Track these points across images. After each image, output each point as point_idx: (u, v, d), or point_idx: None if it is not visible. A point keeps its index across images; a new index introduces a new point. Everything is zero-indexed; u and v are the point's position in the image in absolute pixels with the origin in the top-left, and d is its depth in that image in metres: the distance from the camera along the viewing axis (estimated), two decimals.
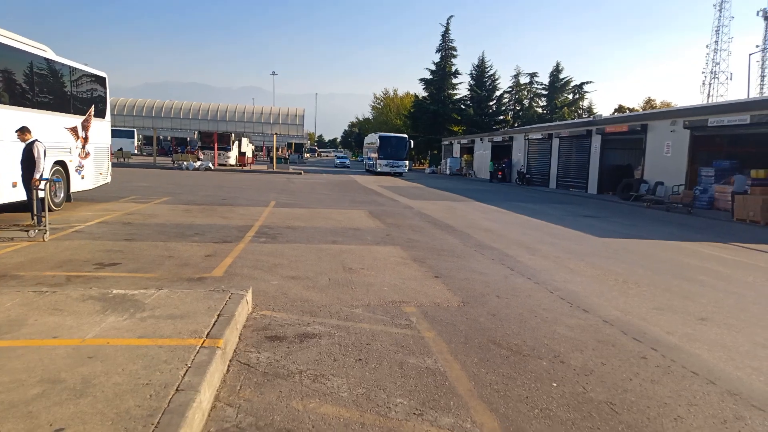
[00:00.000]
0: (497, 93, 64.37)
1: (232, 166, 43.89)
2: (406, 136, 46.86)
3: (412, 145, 48.13)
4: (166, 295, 5.30)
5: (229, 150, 44.30)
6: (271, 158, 47.17)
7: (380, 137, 45.47)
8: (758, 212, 17.42)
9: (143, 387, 3.32)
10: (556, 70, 62.96)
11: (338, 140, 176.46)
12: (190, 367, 3.59)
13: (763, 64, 73.64)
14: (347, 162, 66.11)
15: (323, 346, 4.66)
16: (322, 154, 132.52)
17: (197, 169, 36.41)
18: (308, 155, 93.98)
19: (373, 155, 46.71)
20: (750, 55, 54.91)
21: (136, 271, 7.03)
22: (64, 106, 12.95)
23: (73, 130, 13.31)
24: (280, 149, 69.76)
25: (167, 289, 5.63)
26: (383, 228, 12.25)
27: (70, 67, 13.29)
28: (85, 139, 13.96)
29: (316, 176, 36.40)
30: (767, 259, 10.61)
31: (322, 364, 4.26)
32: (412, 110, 66.06)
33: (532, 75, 64.84)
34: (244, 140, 49.55)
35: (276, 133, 40.56)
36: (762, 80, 73.36)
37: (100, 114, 15.02)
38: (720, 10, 75.67)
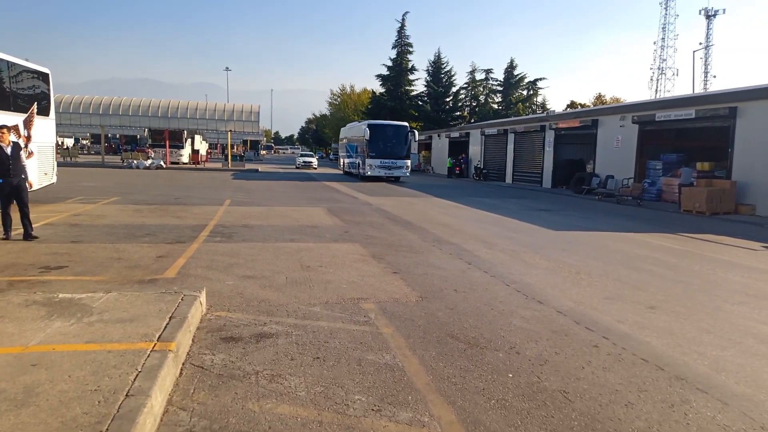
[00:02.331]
0: (454, 89, 64.97)
1: (185, 164, 42.88)
2: (407, 124, 33.63)
3: (416, 137, 34.55)
4: (115, 298, 5.11)
5: (182, 148, 43.24)
6: (226, 156, 45.87)
7: (370, 126, 31.88)
8: (703, 203, 18.18)
9: (91, 393, 3.19)
10: (511, 67, 63.96)
11: (295, 137, 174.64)
12: (140, 372, 3.47)
13: (706, 61, 76.85)
14: (314, 162, 48.89)
15: (280, 345, 4.59)
16: (279, 150, 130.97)
17: (148, 168, 35.41)
18: (264, 152, 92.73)
19: (358, 153, 33.66)
20: (694, 52, 57.19)
21: (84, 274, 6.77)
22: (3, 103, 12.33)
23: (14, 128, 12.70)
24: (235, 146, 68.48)
25: (116, 292, 5.43)
26: (342, 225, 12.19)
27: (8, 62, 12.67)
28: (28, 138, 13.34)
29: (273, 182, 35.40)
30: (712, 249, 11.08)
31: (279, 363, 4.20)
32: (369, 106, 65.98)
33: (488, 71, 65.72)
34: (198, 138, 48.46)
35: (231, 130, 39.85)
36: (706, 76, 76.52)
37: (44, 112, 14.38)
38: (666, 8, 78.50)
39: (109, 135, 65.65)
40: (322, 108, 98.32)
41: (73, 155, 42.82)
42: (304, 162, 48.08)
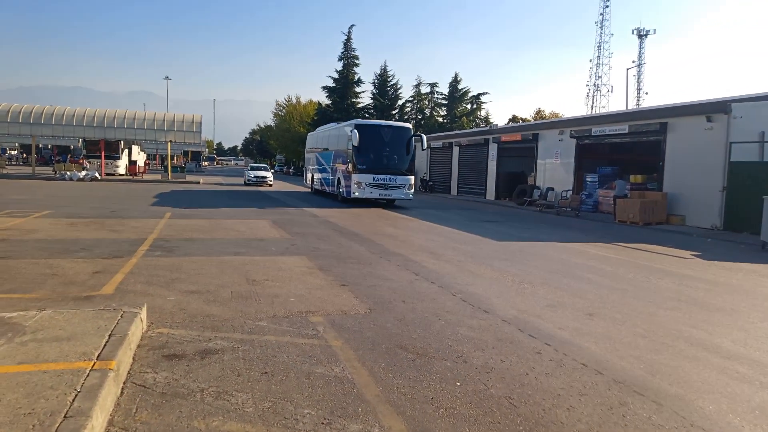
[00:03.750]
0: (400, 102, 65.75)
1: (122, 175, 41.33)
2: (409, 126, 23.71)
3: (424, 146, 24.25)
4: (50, 316, 4.86)
5: (118, 159, 41.68)
6: (166, 167, 44.28)
7: (359, 127, 22.20)
8: (637, 214, 19.11)
9: (25, 417, 3.02)
10: (455, 81, 65.36)
11: (239, 148, 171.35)
12: (79, 392, 3.31)
13: (639, 78, 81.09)
14: (269, 177, 38.06)
15: (226, 361, 4.49)
16: (222, 162, 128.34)
17: (82, 180, 33.91)
18: (206, 163, 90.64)
19: (337, 165, 24.65)
20: (627, 69, 60.33)
21: (14, 292, 6.40)
22: None
23: None
24: (175, 157, 66.60)
25: (51, 309, 5.17)
26: (288, 238, 12.06)
27: None
28: None
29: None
30: (646, 257, 11.64)
31: (225, 380, 4.11)
32: (315, 118, 65.81)
33: (433, 85, 66.87)
34: (135, 148, 46.82)
35: (171, 141, 38.76)
36: (638, 93, 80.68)
37: None
38: (601, 28, 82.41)
39: (41, 145, 62.54)
40: (267, 119, 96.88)
41: (1, 166, 40.48)
42: (255, 177, 37.51)
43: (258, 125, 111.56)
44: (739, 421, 3.79)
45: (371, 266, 9.05)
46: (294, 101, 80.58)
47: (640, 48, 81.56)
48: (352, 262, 9.37)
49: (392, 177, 22.18)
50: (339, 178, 24.08)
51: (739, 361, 5.06)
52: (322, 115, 64.04)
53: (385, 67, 65.61)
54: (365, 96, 65.44)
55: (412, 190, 22.84)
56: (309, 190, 31.98)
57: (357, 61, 64.23)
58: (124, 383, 3.93)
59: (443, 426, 3.55)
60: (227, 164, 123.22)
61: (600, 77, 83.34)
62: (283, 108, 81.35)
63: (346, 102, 62.99)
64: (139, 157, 49.37)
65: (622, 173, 23.98)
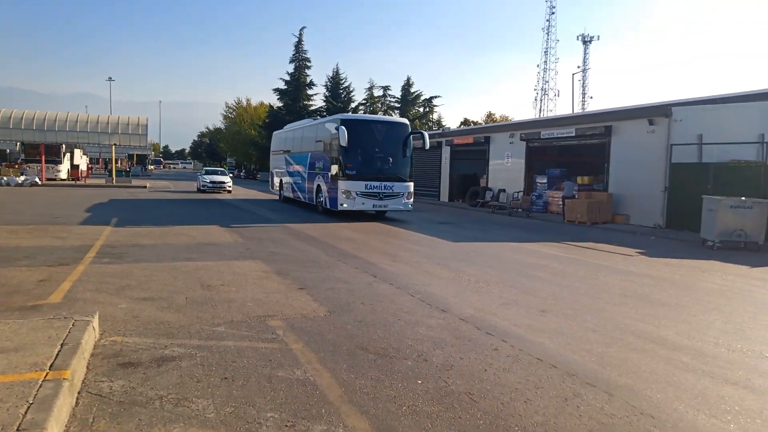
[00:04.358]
0: (353, 105, 65.75)
1: (64, 180, 39.70)
2: (406, 121, 19.82)
3: (427, 145, 19.84)
4: None
5: (60, 163, 40.05)
6: (110, 171, 42.65)
7: (346, 123, 18.02)
8: (584, 214, 19.78)
9: None
10: (408, 85, 65.92)
11: (187, 151, 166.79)
12: (32, 404, 3.19)
13: (584, 83, 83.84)
14: (228, 183, 33.29)
15: (184, 368, 4.40)
16: (170, 165, 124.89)
17: (21, 185, 32.38)
18: (153, 167, 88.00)
19: (317, 170, 20.46)
20: (573, 74, 62.31)
21: None
22: None
23: None
24: (120, 161, 64.39)
25: None
26: (242, 242, 11.88)
27: None
28: None
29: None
30: (594, 255, 12.07)
31: (184, 386, 4.03)
32: (266, 120, 65.00)
33: (385, 88, 67.23)
34: (78, 152, 45.07)
35: (115, 144, 37.46)
36: (584, 97, 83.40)
37: None
38: (547, 34, 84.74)
39: None
40: (216, 121, 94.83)
41: None
42: (212, 183, 32.43)
43: (207, 128, 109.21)
44: (683, 407, 4.00)
45: (329, 269, 9.03)
46: (244, 103, 79.37)
47: (584, 53, 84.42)
48: (309, 265, 9.33)
49: (388, 184, 18.11)
50: (318, 186, 19.89)
51: (683, 352, 5.33)
52: (274, 118, 63.35)
53: (338, 70, 65.51)
54: (317, 98, 65.16)
55: (412, 200, 18.83)
56: (277, 197, 27.62)
57: (309, 64, 63.90)
58: (78, 393, 3.80)
59: (406, 423, 3.60)
60: (175, 168, 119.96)
61: (547, 82, 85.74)
62: (233, 110, 79.99)
63: (298, 104, 62.55)
64: (82, 161, 47.54)
65: (570, 175, 24.75)
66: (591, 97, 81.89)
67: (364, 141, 18.17)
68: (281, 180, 26.29)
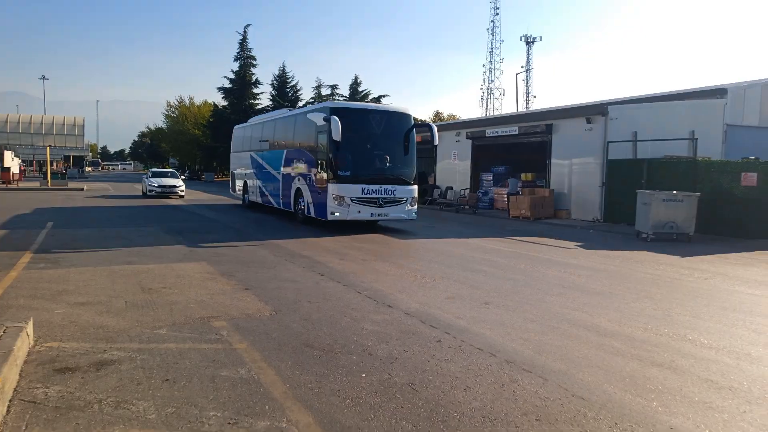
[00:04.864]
0: (300, 104, 65.23)
1: None
2: (408, 112, 16.05)
3: (436, 140, 16.59)
4: None
5: None
6: (45, 173, 40.53)
7: (337, 112, 14.45)
8: (527, 209, 20.39)
9: None
10: (355, 83, 65.89)
11: (127, 152, 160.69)
12: None
13: (527, 83, 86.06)
14: (180, 186, 28.73)
15: (124, 371, 4.32)
16: (109, 167, 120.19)
17: None
18: (90, 169, 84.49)
19: (295, 171, 17.04)
20: (517, 74, 63.78)
21: None
22: None
23: None
24: (55, 163, 61.56)
25: None
26: (185, 244, 11.64)
27: None
28: None
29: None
30: (536, 249, 12.48)
31: (124, 390, 3.96)
32: (211, 119, 63.64)
33: (333, 87, 66.94)
34: (8, 154, 42.77)
35: (50, 145, 35.90)
36: (527, 96, 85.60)
37: None
38: (492, 34, 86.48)
39: None
40: (158, 121, 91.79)
41: None
42: (161, 187, 28.13)
43: (148, 127, 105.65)
44: (612, 388, 4.24)
45: (275, 269, 8.99)
46: (187, 102, 77.41)
47: (528, 54, 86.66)
48: (255, 266, 9.25)
49: (389, 188, 14.74)
50: (299, 189, 16.48)
51: (614, 338, 5.63)
52: (219, 117, 62.19)
53: (284, 69, 64.89)
54: (264, 97, 64.33)
55: (416, 206, 15.65)
56: (239, 202, 23.97)
57: (254, 62, 63.03)
58: (10, 401, 3.67)
59: (349, 415, 3.67)
60: (114, 169, 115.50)
61: (493, 81, 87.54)
62: (176, 109, 77.87)
63: (244, 103, 61.59)
64: (13, 163, 45.15)
65: (514, 172, 25.44)
66: (534, 96, 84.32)
67: (360, 135, 14.96)
68: (246, 182, 22.51)
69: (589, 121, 20.26)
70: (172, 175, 30.94)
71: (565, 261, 10.78)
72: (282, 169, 18.06)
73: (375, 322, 5.97)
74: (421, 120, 34.23)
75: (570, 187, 21.09)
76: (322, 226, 15.29)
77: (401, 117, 15.69)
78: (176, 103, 78.31)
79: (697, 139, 17.76)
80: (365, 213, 14.63)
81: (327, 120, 14.28)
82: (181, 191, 28.65)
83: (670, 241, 14.09)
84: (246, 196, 22.61)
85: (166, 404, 3.74)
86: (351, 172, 14.58)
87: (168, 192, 28.30)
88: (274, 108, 60.45)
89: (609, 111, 19.61)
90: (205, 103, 74.31)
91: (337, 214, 14.34)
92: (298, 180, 16.56)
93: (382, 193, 14.71)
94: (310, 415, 3.65)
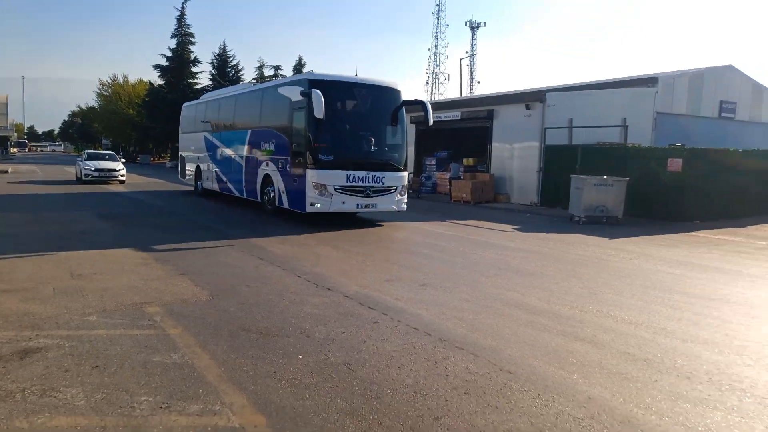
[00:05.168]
0: (242, 83, 63.75)
1: None
2: (397, 86, 13.84)
3: (430, 120, 14.29)
4: None
5: None
6: None
7: (319, 85, 12.10)
8: (469, 194, 20.82)
9: None
10: (299, 65, 64.82)
11: (56, 132, 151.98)
12: None
13: (472, 68, 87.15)
14: (120, 170, 25.62)
15: (51, 359, 4.19)
16: (37, 148, 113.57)
17: None
18: (16, 150, 79.69)
19: (264, 155, 14.57)
20: (461, 59, 64.49)
21: None
22: None
23: None
24: None
25: None
26: (118, 228, 11.26)
27: None
28: None
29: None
30: (475, 232, 12.80)
31: (50, 377, 3.85)
32: (146, 99, 61.17)
33: (276, 68, 65.53)
34: None
35: None
36: (471, 82, 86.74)
37: None
38: (437, 18, 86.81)
39: None
40: (90, 100, 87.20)
41: None
42: (98, 171, 24.85)
43: (79, 107, 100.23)
44: (537, 362, 4.47)
45: (213, 254, 8.86)
46: (121, 81, 74.02)
47: (472, 39, 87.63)
48: (192, 250, 9.07)
49: (377, 174, 12.84)
50: (267, 176, 14.30)
51: (542, 315, 5.90)
52: (155, 96, 59.88)
53: (225, 47, 62.92)
54: (203, 77, 62.35)
55: (406, 196, 13.83)
56: (191, 188, 21.12)
57: (193, 40, 60.78)
58: None
59: (284, 396, 3.71)
60: (43, 150, 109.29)
61: (438, 66, 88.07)
62: (109, 88, 74.33)
63: (182, 82, 59.49)
64: None
65: (456, 156, 25.84)
66: (479, 82, 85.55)
67: (344, 112, 13.23)
68: (199, 167, 19.95)
69: (528, 108, 20.80)
70: (111, 158, 27.50)
71: (502, 244, 11.13)
72: (245, 152, 15.79)
73: (314, 305, 6.00)
74: None
75: (510, 171, 21.66)
76: (296, 218, 13.33)
77: (391, 92, 13.68)
78: (109, 81, 74.72)
79: (627, 126, 18.58)
80: (350, 204, 12.64)
81: (306, 95, 12.07)
82: (122, 176, 25.53)
83: (600, 223, 14.76)
84: (199, 182, 20.11)
85: (95, 391, 3.67)
86: (334, 156, 12.50)
87: (106, 177, 25.04)
88: (215, 88, 58.80)
89: (547, 98, 20.20)
90: (141, 81, 71.21)
91: (318, 205, 12.28)
92: (267, 165, 14.33)
93: (370, 180, 12.77)
94: (244, 397, 3.67)
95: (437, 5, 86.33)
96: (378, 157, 13.20)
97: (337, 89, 12.79)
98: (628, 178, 15.19)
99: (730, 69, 23.94)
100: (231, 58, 62.96)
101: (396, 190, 13.24)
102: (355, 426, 3.35)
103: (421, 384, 3.96)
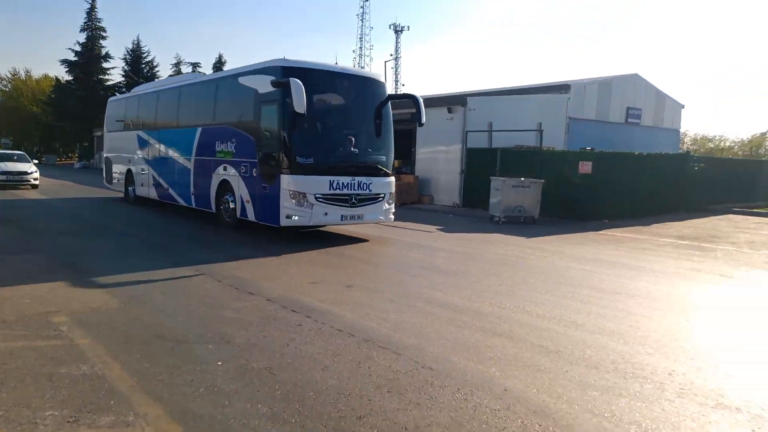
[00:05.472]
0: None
1: None
2: (380, 78, 12.63)
3: (423, 119, 12.27)
4: None
5: None
6: None
7: (296, 73, 10.05)
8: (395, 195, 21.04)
9: None
10: (220, 63, 63.11)
11: None
12: None
13: (396, 71, 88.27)
14: (33, 172, 22.46)
15: None
16: None
17: None
18: None
19: (221, 157, 12.23)
20: (386, 62, 65.16)
21: None
22: None
23: None
24: None
25: None
26: (18, 234, 10.49)
27: None
28: None
29: None
30: (401, 233, 12.95)
31: None
32: (52, 95, 57.46)
33: (195, 65, 63.42)
34: None
35: None
36: (396, 84, 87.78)
37: None
38: (362, 21, 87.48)
39: None
40: None
41: None
42: (5, 174, 21.77)
43: None
44: (457, 358, 4.60)
45: (125, 258, 8.44)
46: (23, 75, 69.09)
47: (396, 42, 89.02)
48: (99, 256, 8.61)
49: (363, 180, 11.04)
50: (225, 183, 12.04)
51: (464, 313, 6.07)
52: (62, 93, 56.45)
53: (139, 43, 60.34)
54: (116, 73, 59.37)
55: (393, 205, 12.01)
56: (121, 194, 18.43)
57: (104, 34, 57.85)
58: None
59: (203, 404, 3.60)
60: None
61: (363, 68, 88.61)
62: (9, 83, 69.18)
63: (92, 78, 56.37)
64: None
65: None
66: (403, 85, 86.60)
67: (324, 107, 11.32)
68: (131, 170, 17.44)
69: (450, 111, 21.34)
70: (21, 158, 23.88)
71: (428, 244, 11.34)
72: (194, 154, 13.49)
73: (235, 309, 5.86)
74: None
75: (434, 173, 22.12)
76: (261, 232, 11.43)
77: (375, 84, 12.01)
78: (9, 76, 69.52)
79: (542, 130, 19.49)
80: (333, 216, 10.68)
81: (279, 85, 10.10)
82: (35, 179, 22.32)
83: (518, 223, 15.39)
84: (131, 188, 17.54)
85: None
86: (315, 158, 10.50)
87: (17, 181, 21.91)
88: (128, 85, 55.88)
89: (468, 102, 20.83)
90: (46, 76, 66.78)
91: (295, 218, 10.24)
92: (224, 169, 12.06)
93: (356, 187, 10.86)
94: (159, 407, 3.52)
95: (361, 7, 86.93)
96: (364, 159, 11.31)
97: (316, 79, 10.73)
98: (543, 180, 15.92)
99: (635, 77, 25.67)
100: (146, 54, 60.41)
101: (384, 198, 11.46)
102: (276, 430, 3.30)
103: (344, 385, 3.96)
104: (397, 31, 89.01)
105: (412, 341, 4.99)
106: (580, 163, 16.78)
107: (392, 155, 11.98)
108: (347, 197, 10.70)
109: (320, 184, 10.39)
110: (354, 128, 11.39)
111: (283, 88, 9.95)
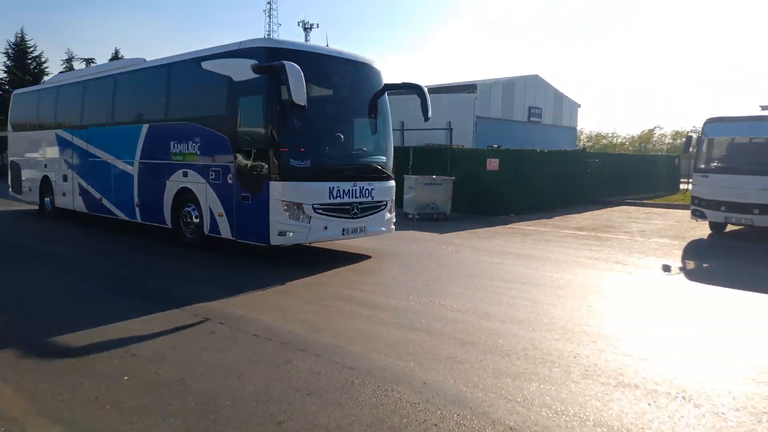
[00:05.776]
0: (46, 78, 56.67)
1: None
2: (376, 65, 10.01)
3: (429, 113, 10.92)
4: None
5: None
6: None
7: (277, 52, 8.29)
8: None
9: None
10: (116, 58, 59.47)
11: None
12: None
13: None
14: None
15: None
16: None
17: None
18: None
19: (179, 160, 9.85)
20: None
21: None
22: None
23: None
24: None
25: None
26: None
27: None
28: None
29: None
30: None
31: None
32: None
33: (88, 61, 59.29)
34: None
35: None
36: None
37: None
38: (269, 17, 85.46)
39: None
40: None
41: None
42: None
43: None
44: (377, 355, 4.62)
45: (12, 269, 7.76)
46: None
47: (306, 40, 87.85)
48: None
49: (366, 186, 9.28)
50: (185, 191, 9.78)
51: (381, 310, 6.11)
52: None
53: (23, 36, 55.41)
54: None
55: (394, 214, 10.42)
56: (35, 206, 15.14)
57: None
58: None
59: (110, 421, 3.37)
60: None
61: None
62: None
63: None
64: None
65: None
66: None
67: (318, 99, 8.96)
68: (48, 177, 14.31)
69: None
70: None
71: (340, 242, 11.30)
72: (139, 157, 10.93)
73: (141, 321, 5.53)
74: None
75: None
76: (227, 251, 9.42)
77: (370, 72, 9.97)
78: None
79: (452, 129, 20.07)
80: (334, 230, 8.82)
81: (267, 70, 8.04)
82: None
83: (432, 220, 15.73)
84: (48, 199, 14.46)
85: None
86: (311, 161, 8.61)
87: None
88: (11, 82, 51.07)
89: None
90: None
91: (290, 234, 8.30)
92: (184, 175, 9.76)
93: (357, 194, 9.08)
94: (58, 429, 3.26)
95: (268, 3, 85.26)
96: (365, 160, 9.75)
97: (308, 65, 8.11)
98: (453, 177, 16.40)
99: (536, 78, 27.10)
100: (32, 48, 55.59)
101: (385, 206, 9.81)
102: None
103: (262, 391, 3.86)
104: (307, 28, 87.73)
105: (332, 341, 4.96)
106: (488, 160, 17.43)
107: (392, 154, 10.47)
108: (348, 206, 8.90)
109: (319, 192, 8.56)
110: (352, 123, 9.83)
111: (269, 75, 8.00)
